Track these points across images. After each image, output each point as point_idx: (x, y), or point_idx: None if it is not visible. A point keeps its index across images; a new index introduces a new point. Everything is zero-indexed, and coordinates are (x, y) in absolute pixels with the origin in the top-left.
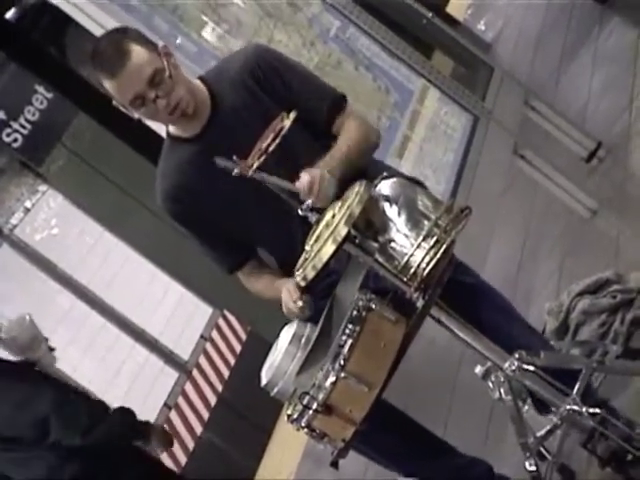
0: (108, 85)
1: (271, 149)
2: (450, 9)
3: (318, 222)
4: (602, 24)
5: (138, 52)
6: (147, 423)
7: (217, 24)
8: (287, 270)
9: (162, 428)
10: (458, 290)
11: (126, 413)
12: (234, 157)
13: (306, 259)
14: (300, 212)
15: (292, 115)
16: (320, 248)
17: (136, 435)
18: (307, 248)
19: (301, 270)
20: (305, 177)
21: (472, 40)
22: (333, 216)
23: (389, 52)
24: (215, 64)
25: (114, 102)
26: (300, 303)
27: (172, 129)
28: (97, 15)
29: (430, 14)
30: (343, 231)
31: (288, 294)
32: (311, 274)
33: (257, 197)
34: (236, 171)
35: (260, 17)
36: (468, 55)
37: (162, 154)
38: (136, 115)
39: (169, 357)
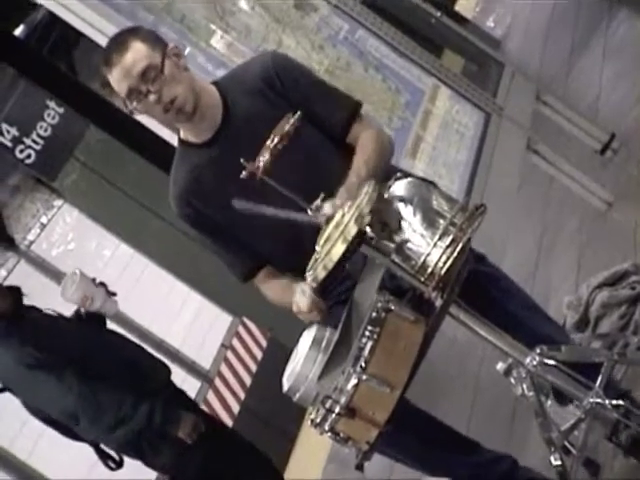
0: (108, 77)
1: (279, 147)
2: (458, 7)
3: (328, 223)
4: (610, 16)
5: (137, 47)
6: (179, 414)
7: (225, 32)
8: (300, 276)
9: (195, 419)
10: (482, 281)
11: (156, 409)
12: (242, 160)
13: (317, 260)
14: (309, 212)
15: (297, 115)
16: (330, 248)
17: (163, 430)
18: (317, 249)
19: (312, 271)
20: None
21: (481, 37)
22: (343, 216)
23: (398, 52)
24: (231, 70)
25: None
26: (309, 301)
27: (184, 134)
28: (105, 28)
29: (438, 13)
30: (353, 230)
31: (302, 296)
32: (322, 274)
33: (266, 202)
34: (245, 173)
35: (268, 23)
36: (478, 52)
37: (175, 160)
38: (133, 108)
39: (191, 367)
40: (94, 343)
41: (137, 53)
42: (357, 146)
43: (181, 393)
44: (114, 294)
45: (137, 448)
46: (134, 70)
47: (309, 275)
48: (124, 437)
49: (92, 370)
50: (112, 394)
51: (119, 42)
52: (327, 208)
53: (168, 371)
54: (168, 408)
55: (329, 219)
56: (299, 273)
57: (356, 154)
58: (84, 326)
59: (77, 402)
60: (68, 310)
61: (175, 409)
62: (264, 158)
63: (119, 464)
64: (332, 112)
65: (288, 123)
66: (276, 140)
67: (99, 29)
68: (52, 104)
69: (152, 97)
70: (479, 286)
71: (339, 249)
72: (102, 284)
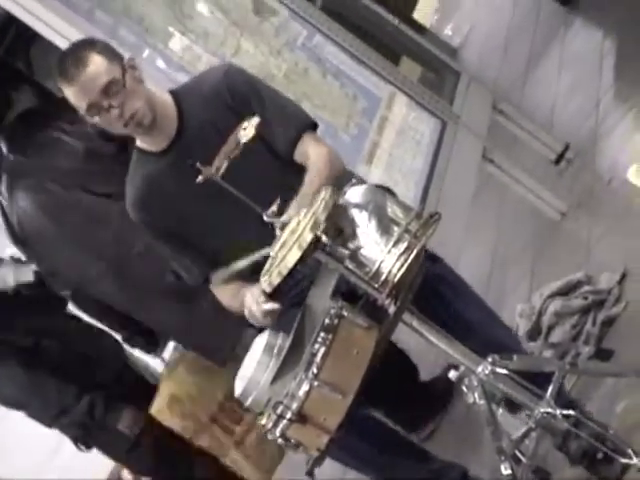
0: (66, 92)
1: (236, 152)
2: (416, 15)
3: (283, 228)
4: (567, 26)
5: (96, 61)
6: (120, 406)
7: (184, 35)
8: (255, 279)
9: (135, 413)
10: (434, 281)
11: (97, 401)
12: (198, 163)
13: (272, 265)
14: (265, 218)
15: (255, 121)
16: (286, 254)
17: (102, 423)
18: (272, 254)
19: (267, 276)
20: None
21: (439, 45)
22: (298, 222)
23: (356, 59)
24: (188, 80)
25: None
26: (264, 307)
27: (139, 142)
28: (62, 28)
29: (396, 20)
30: (308, 237)
31: (252, 298)
32: (277, 280)
33: (220, 210)
34: (200, 178)
35: (226, 27)
36: (435, 60)
37: (130, 167)
38: (94, 121)
39: (145, 369)
40: (46, 330)
41: (97, 67)
42: (308, 163)
43: (136, 384)
44: (23, 262)
45: (85, 437)
46: (96, 85)
47: (264, 280)
48: (67, 427)
49: (39, 358)
50: (57, 384)
51: (77, 56)
52: (282, 219)
53: (121, 362)
54: (110, 401)
55: (285, 225)
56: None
57: (308, 170)
58: (38, 310)
59: (21, 393)
60: None
61: (117, 402)
62: (220, 162)
63: (88, 445)
64: (278, 131)
65: (250, 128)
66: (232, 145)
67: (56, 29)
68: None
69: (115, 112)
70: (432, 287)
71: (294, 255)
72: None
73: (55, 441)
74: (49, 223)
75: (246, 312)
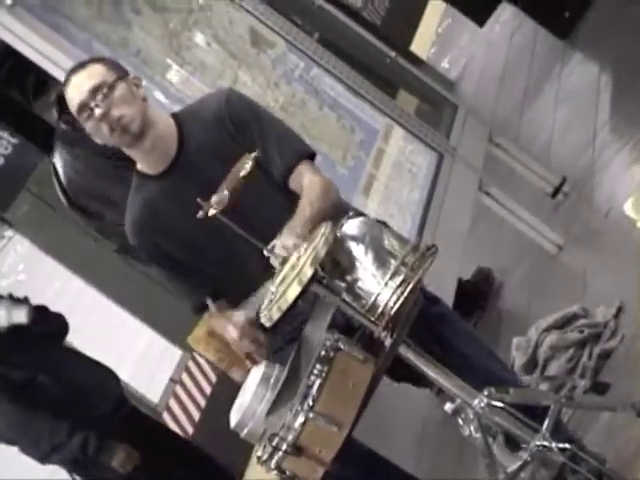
0: (65, 94)
1: (238, 187)
2: (414, 48)
3: (284, 263)
4: (564, 61)
5: (94, 67)
6: (113, 445)
7: (181, 66)
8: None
9: (128, 450)
10: (433, 320)
11: (90, 438)
12: (198, 199)
13: (271, 300)
14: (265, 253)
15: (253, 156)
16: (286, 289)
17: (95, 460)
18: (272, 289)
19: (266, 311)
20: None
21: (436, 78)
22: (299, 258)
23: (353, 91)
24: (190, 103)
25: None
26: (256, 342)
27: (139, 165)
28: (59, 59)
29: (393, 53)
30: (309, 272)
31: (236, 331)
32: (276, 315)
33: (219, 238)
34: (201, 213)
35: (224, 59)
36: (432, 93)
37: (130, 191)
38: (86, 126)
39: (139, 401)
40: (42, 364)
41: (92, 71)
42: (302, 190)
43: (131, 418)
44: (20, 300)
45: (78, 472)
46: (86, 86)
47: (263, 316)
48: (60, 463)
49: (33, 393)
50: (48, 421)
51: (81, 64)
52: (277, 249)
53: (118, 393)
54: (103, 438)
55: (285, 260)
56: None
57: (301, 197)
58: (35, 344)
59: (11, 431)
60: None
61: (110, 439)
62: (220, 196)
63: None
64: (276, 158)
65: (248, 162)
66: (233, 181)
67: (54, 61)
68: (5, 134)
69: (98, 111)
70: (431, 326)
71: (294, 291)
72: (2, 297)
73: None
74: (98, 184)
75: (233, 346)
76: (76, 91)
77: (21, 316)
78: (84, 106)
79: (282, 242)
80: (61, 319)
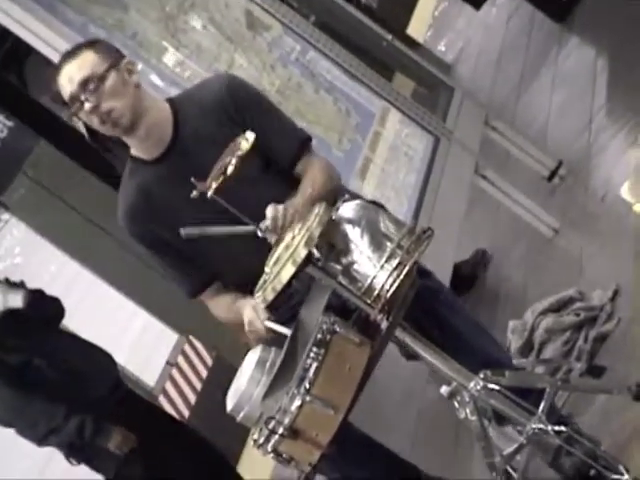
0: (58, 83)
1: (230, 171)
2: (410, 31)
3: (278, 244)
4: (561, 44)
5: (86, 55)
6: (109, 428)
7: (177, 49)
8: (248, 292)
9: (124, 432)
10: (427, 295)
11: (86, 421)
12: (192, 179)
13: (266, 281)
14: (259, 234)
15: (251, 137)
16: (280, 270)
17: (92, 443)
18: (267, 270)
19: (261, 292)
20: (270, 212)
21: (432, 61)
22: (293, 238)
23: (349, 75)
24: (187, 88)
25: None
26: (268, 324)
27: (134, 151)
28: (54, 41)
29: (390, 36)
30: (303, 253)
31: (254, 313)
32: (271, 296)
33: (215, 221)
34: (195, 193)
35: (220, 42)
36: (428, 76)
37: (124, 176)
38: (74, 114)
39: (135, 384)
40: (38, 348)
41: (83, 61)
42: (305, 173)
43: (127, 401)
44: (16, 284)
45: (74, 456)
46: (76, 78)
47: (258, 296)
48: (57, 445)
49: (29, 377)
50: (45, 404)
51: (73, 50)
52: (268, 212)
53: (112, 381)
54: (99, 421)
55: (279, 240)
56: (246, 289)
57: (303, 179)
58: (31, 328)
59: (8, 414)
60: None
61: (107, 422)
62: (215, 177)
63: (79, 460)
64: (282, 143)
65: (245, 142)
66: (228, 161)
67: (50, 44)
68: (1, 117)
69: (87, 105)
70: (424, 300)
71: (288, 271)
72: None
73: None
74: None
75: (246, 327)
76: (67, 82)
77: (17, 300)
78: (74, 99)
79: (276, 206)
80: (57, 303)
